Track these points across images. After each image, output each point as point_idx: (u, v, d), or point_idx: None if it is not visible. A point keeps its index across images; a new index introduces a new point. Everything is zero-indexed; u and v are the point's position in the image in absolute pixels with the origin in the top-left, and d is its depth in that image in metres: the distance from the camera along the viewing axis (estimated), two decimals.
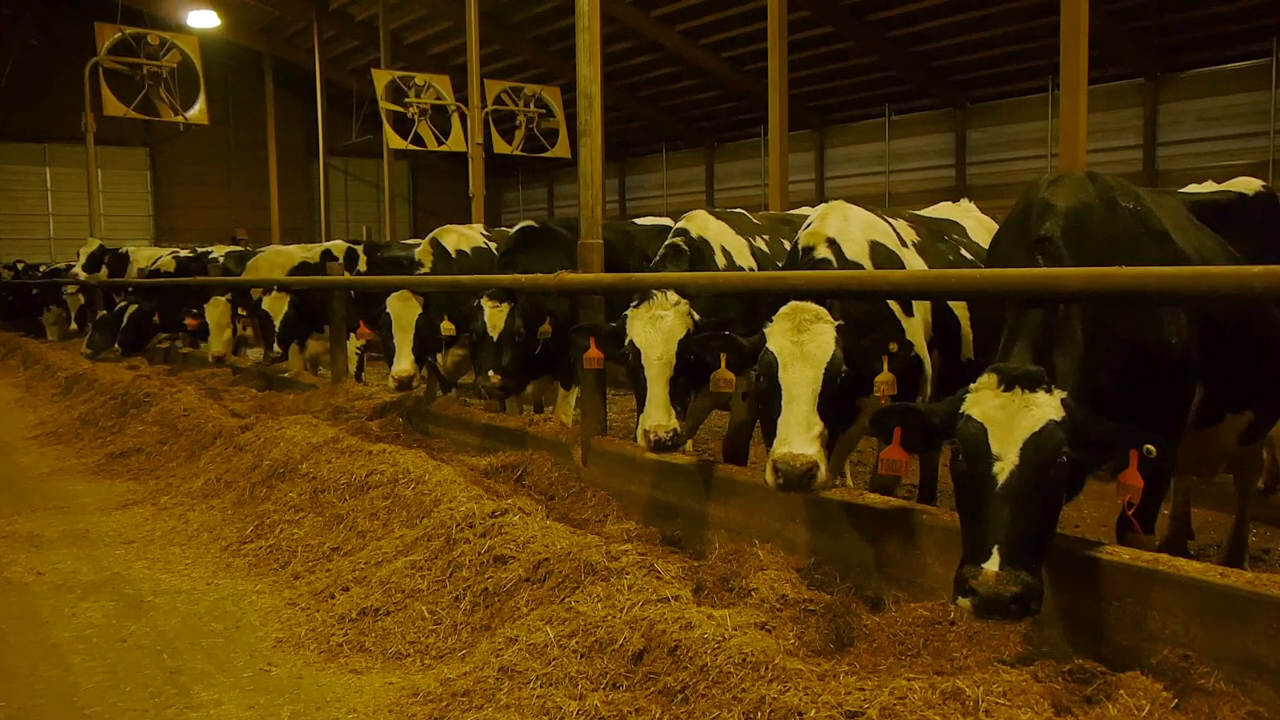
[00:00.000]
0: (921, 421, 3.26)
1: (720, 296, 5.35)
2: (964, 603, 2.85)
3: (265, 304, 10.13)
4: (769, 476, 3.74)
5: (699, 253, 5.53)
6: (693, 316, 4.76)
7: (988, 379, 3.07)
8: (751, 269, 5.62)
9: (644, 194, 32.02)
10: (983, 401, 3.04)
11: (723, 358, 4.24)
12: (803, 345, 3.89)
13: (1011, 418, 2.97)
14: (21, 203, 31.96)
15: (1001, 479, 2.92)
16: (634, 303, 4.84)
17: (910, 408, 3.32)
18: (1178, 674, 2.91)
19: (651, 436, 4.56)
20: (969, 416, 3.03)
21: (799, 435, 3.76)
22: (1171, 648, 3.01)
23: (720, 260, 5.56)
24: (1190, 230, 4.22)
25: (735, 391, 5.60)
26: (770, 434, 3.92)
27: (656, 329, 4.69)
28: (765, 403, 3.97)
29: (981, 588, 2.80)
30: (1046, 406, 2.98)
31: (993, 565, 2.82)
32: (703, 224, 5.68)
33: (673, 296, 4.76)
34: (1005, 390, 3.01)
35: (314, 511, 5.41)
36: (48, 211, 32.37)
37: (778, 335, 3.94)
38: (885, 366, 3.97)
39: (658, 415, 4.59)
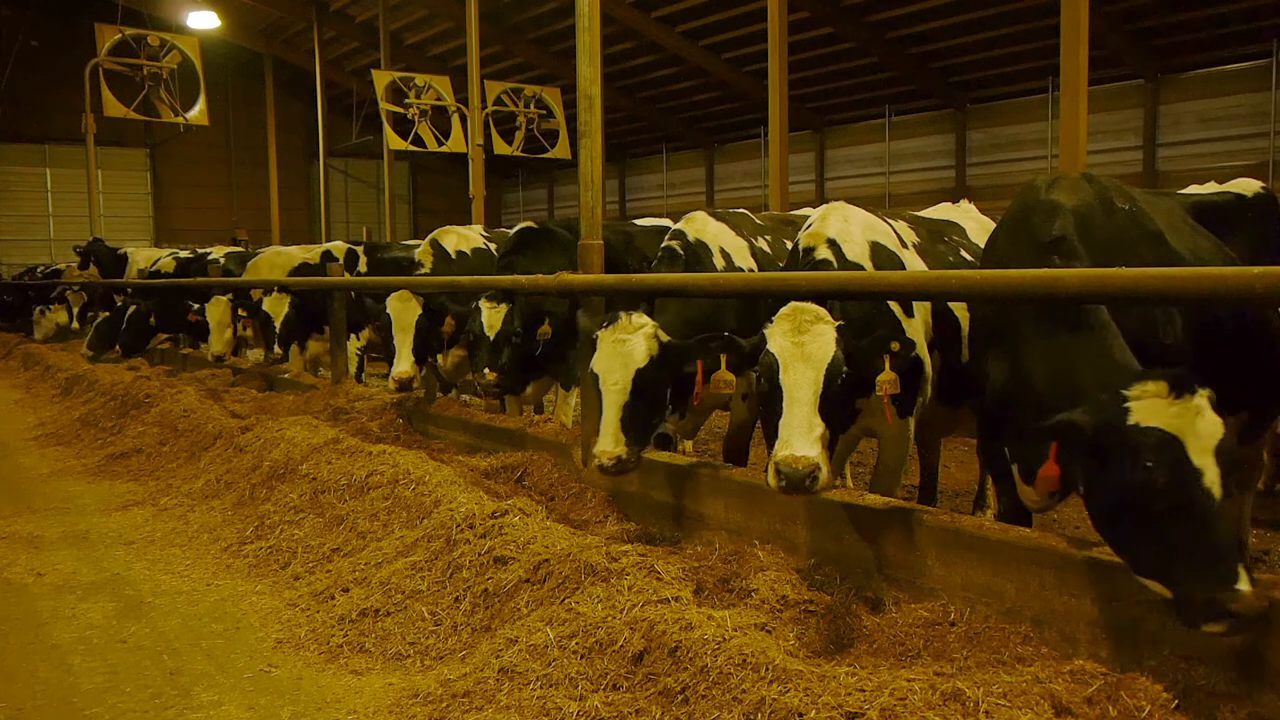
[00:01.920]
0: (1080, 436, 3.02)
1: (720, 298, 5.37)
2: (1217, 627, 2.73)
3: (266, 305, 10.14)
4: (771, 478, 3.73)
5: (696, 256, 5.52)
6: (659, 339, 4.69)
7: (1155, 387, 2.88)
8: (752, 270, 5.62)
9: (644, 195, 32.02)
10: (1160, 411, 2.87)
11: (723, 359, 4.23)
12: (803, 346, 3.88)
13: (1195, 427, 2.83)
14: (22, 204, 31.97)
15: (1217, 493, 2.79)
16: (603, 323, 4.80)
17: (1071, 422, 3.04)
18: (1178, 674, 2.91)
19: (596, 462, 4.53)
20: (1156, 429, 2.85)
21: (800, 437, 3.74)
22: (1171, 648, 3.01)
23: (719, 262, 5.55)
24: (1185, 231, 4.23)
25: (735, 392, 5.62)
26: (771, 435, 3.91)
27: (616, 354, 4.64)
28: (766, 404, 3.96)
29: (1247, 609, 2.69)
30: (1212, 412, 2.86)
31: (1245, 584, 2.71)
32: (701, 226, 5.67)
33: (639, 319, 4.69)
34: (1178, 397, 2.86)
35: (314, 512, 5.41)
36: (48, 213, 32.38)
37: (778, 336, 3.93)
38: (887, 365, 3.97)
39: (605, 442, 4.55)
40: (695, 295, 5.32)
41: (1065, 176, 4.10)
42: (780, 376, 3.85)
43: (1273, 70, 17.96)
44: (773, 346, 3.92)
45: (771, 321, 4.00)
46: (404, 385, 7.28)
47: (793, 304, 4.01)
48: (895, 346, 3.98)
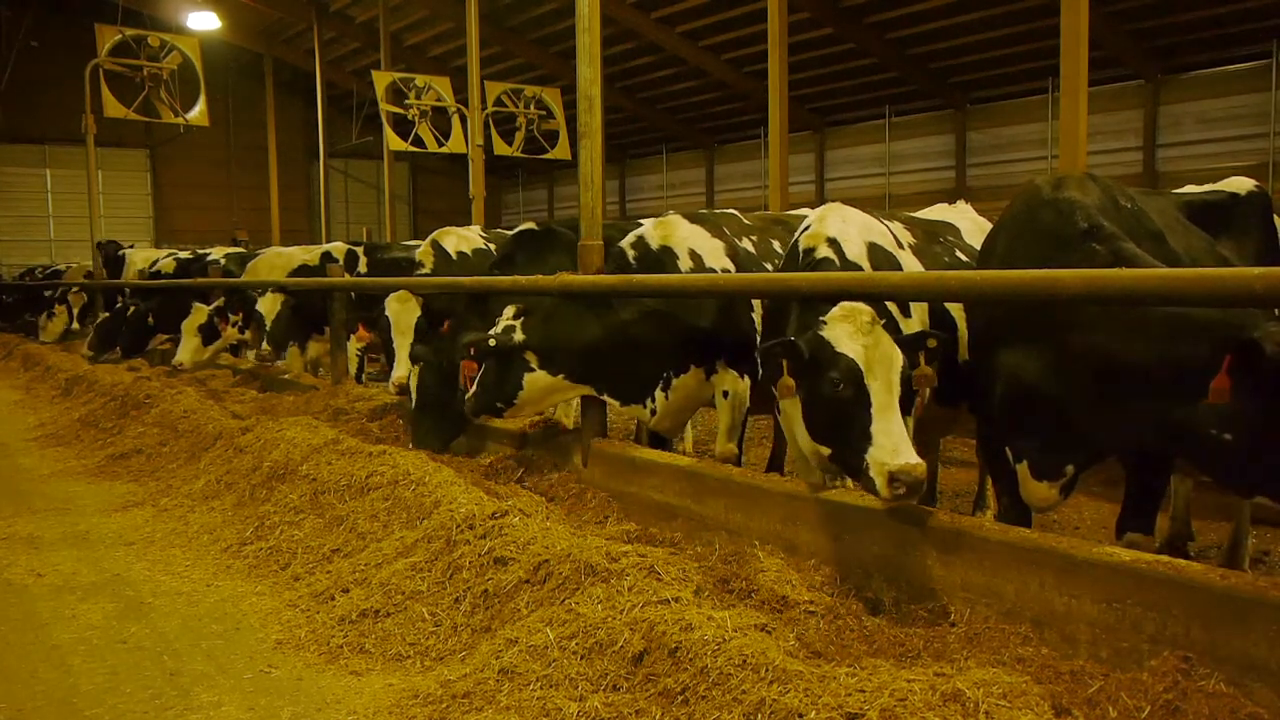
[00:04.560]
0: (1260, 353, 3.10)
1: (719, 298, 5.39)
2: None
3: (260, 304, 10.10)
4: (883, 488, 3.67)
5: (656, 262, 5.58)
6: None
7: None
8: (726, 270, 5.61)
9: (644, 195, 32.00)
10: None
11: (784, 364, 4.03)
12: (879, 349, 3.85)
13: None
14: (22, 205, 31.95)
15: None
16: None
17: (1257, 341, 3.11)
18: (1178, 676, 2.91)
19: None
20: None
21: (908, 444, 3.73)
22: (1171, 649, 3.01)
23: (686, 264, 5.57)
24: (1180, 231, 4.24)
25: (716, 391, 5.63)
26: (837, 439, 3.88)
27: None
28: (840, 409, 3.86)
29: None
30: None
31: None
32: (670, 230, 5.70)
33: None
34: None
35: (314, 513, 5.40)
36: (48, 213, 32.36)
37: (847, 340, 3.87)
38: (923, 361, 3.97)
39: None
40: (693, 296, 5.33)
41: (1070, 176, 4.12)
42: (866, 380, 3.81)
43: (1273, 71, 17.94)
44: (845, 349, 3.86)
45: (825, 322, 3.96)
46: (404, 390, 7.26)
47: (847, 304, 3.97)
48: (932, 343, 3.99)
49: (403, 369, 7.22)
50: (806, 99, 23.89)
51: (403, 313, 7.30)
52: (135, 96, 16.82)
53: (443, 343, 6.71)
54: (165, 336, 13.25)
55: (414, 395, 6.74)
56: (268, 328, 10.03)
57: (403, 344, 7.26)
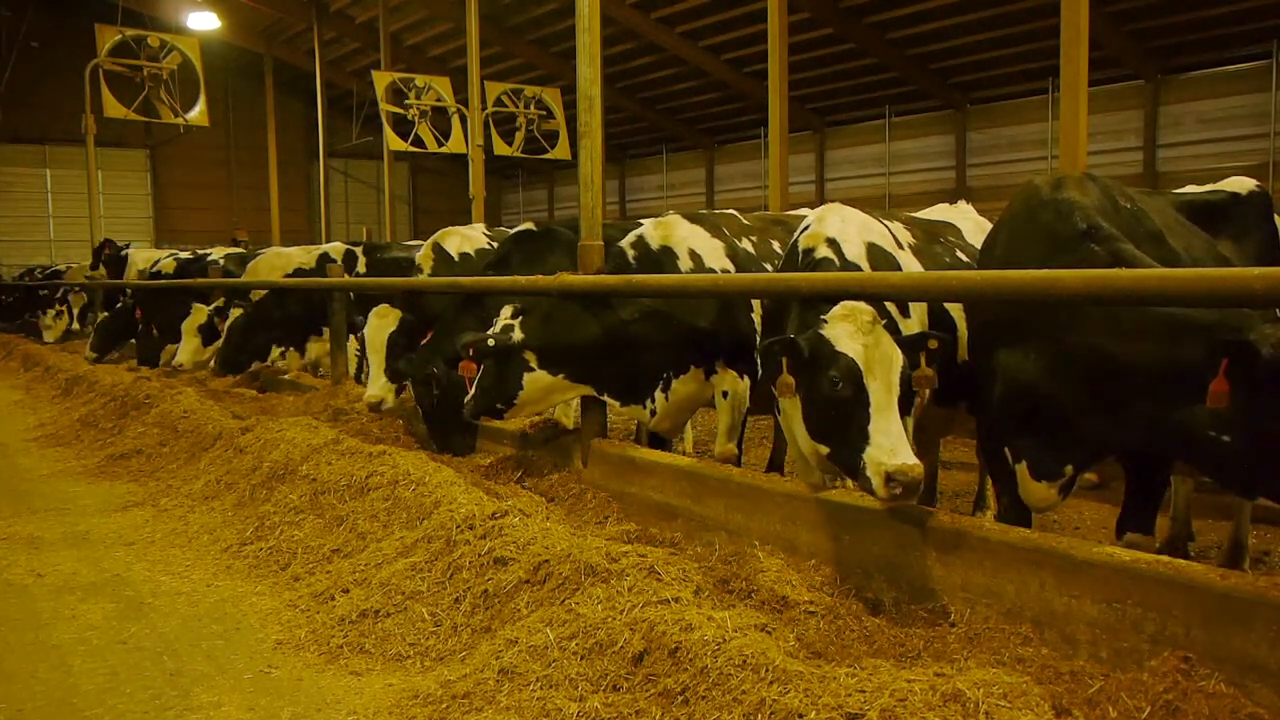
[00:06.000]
0: (1255, 354, 3.11)
1: (721, 298, 5.39)
2: None
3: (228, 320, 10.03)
4: (880, 488, 3.66)
5: (655, 262, 5.59)
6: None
7: None
8: (726, 270, 5.62)
9: (644, 196, 32.00)
10: None
11: (784, 362, 4.00)
12: (879, 349, 3.84)
13: None
14: (22, 205, 31.96)
15: None
16: None
17: (1250, 342, 3.10)
18: (1178, 676, 2.91)
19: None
20: None
21: (906, 445, 3.72)
22: (1171, 649, 3.01)
23: (686, 264, 5.57)
24: (1179, 231, 4.25)
25: (715, 392, 5.64)
26: (840, 440, 3.86)
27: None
28: (839, 408, 3.85)
29: None
30: None
31: None
32: (670, 230, 5.71)
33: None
34: None
35: (314, 513, 5.41)
36: (48, 214, 32.37)
37: (846, 339, 3.87)
38: (923, 362, 3.97)
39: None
40: (693, 296, 5.33)
41: (1069, 176, 4.12)
42: (866, 380, 3.80)
43: (1273, 71, 17.94)
44: (845, 349, 3.85)
45: (826, 321, 3.96)
46: (373, 408, 7.17)
47: (848, 304, 3.97)
48: (933, 344, 3.99)
49: (374, 388, 7.11)
50: (806, 99, 23.89)
51: (378, 329, 7.19)
52: (135, 96, 16.82)
53: (423, 355, 6.69)
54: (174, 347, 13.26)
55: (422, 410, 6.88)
56: (219, 345, 9.91)
57: (375, 361, 7.17)
